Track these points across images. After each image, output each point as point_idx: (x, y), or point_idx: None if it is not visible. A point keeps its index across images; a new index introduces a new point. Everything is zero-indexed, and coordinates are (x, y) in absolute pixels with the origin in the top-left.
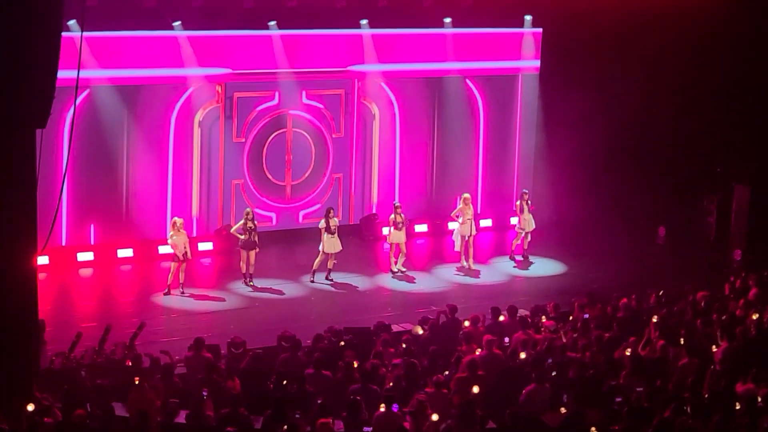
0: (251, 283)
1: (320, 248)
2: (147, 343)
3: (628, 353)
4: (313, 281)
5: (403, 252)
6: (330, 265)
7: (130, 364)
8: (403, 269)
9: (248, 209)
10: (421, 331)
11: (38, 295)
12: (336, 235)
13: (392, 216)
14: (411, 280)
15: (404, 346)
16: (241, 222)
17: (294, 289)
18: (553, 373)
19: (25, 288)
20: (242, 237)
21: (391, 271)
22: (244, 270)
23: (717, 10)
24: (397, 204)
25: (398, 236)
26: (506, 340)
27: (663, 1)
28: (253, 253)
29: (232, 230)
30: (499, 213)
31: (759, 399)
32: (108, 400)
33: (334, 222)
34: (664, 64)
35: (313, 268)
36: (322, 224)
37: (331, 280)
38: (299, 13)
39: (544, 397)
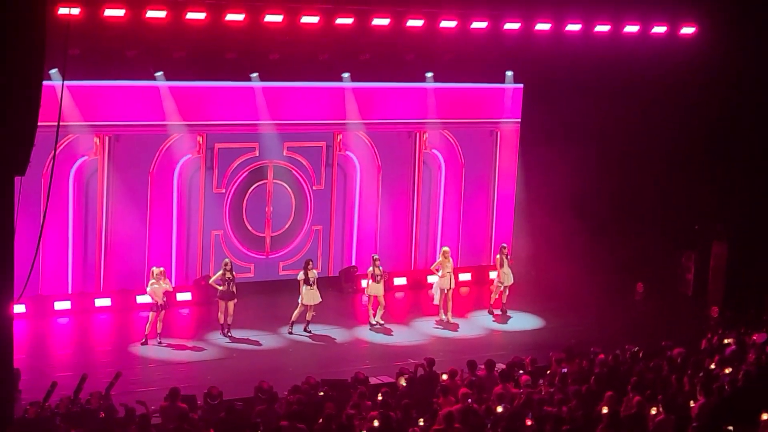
0: (229, 334)
1: (299, 300)
2: (123, 393)
3: (605, 411)
4: (291, 333)
5: (381, 304)
6: (308, 316)
7: (103, 415)
8: (382, 322)
9: (227, 260)
10: (404, 383)
11: (14, 343)
12: (315, 287)
13: (371, 268)
14: (389, 332)
15: (380, 398)
16: (220, 272)
17: (272, 340)
18: (529, 423)
19: (1, 336)
20: (221, 288)
21: (370, 323)
22: (222, 321)
23: (700, 68)
24: (376, 256)
25: (377, 289)
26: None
27: (645, 57)
28: (231, 304)
29: (210, 281)
30: (477, 266)
31: None
32: None
33: (313, 274)
34: (644, 120)
35: (292, 319)
36: (300, 276)
37: (310, 331)
38: (281, 66)
39: None
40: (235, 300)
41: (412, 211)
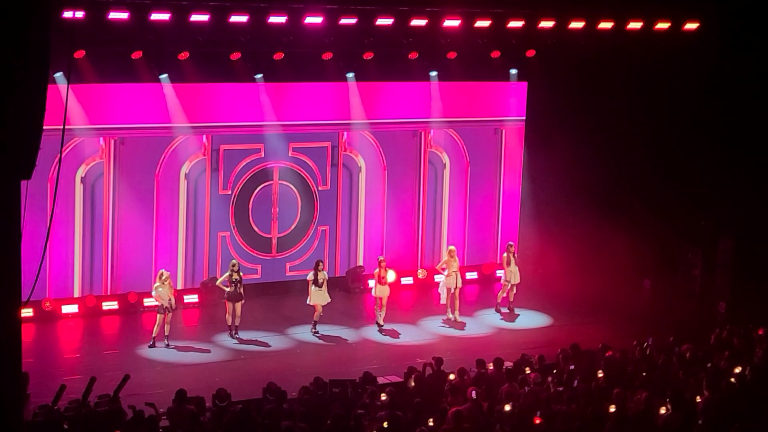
0: (237, 336)
1: (307, 301)
2: (132, 396)
3: (612, 410)
4: (316, 332)
5: (383, 305)
6: (316, 317)
7: (111, 418)
8: (381, 323)
9: (234, 261)
10: (414, 383)
11: (22, 347)
12: (324, 288)
13: (376, 270)
14: (397, 332)
15: (388, 398)
16: (227, 274)
17: (279, 341)
18: (538, 422)
19: (9, 341)
20: (228, 289)
21: (377, 323)
22: (229, 322)
23: (704, 63)
24: (382, 258)
25: (382, 290)
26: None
27: (649, 53)
28: (239, 305)
29: (217, 282)
30: (484, 265)
31: None
32: None
33: (323, 275)
34: (650, 116)
35: (315, 319)
36: (310, 276)
37: (317, 332)
38: (285, 66)
39: None
40: (243, 301)
41: (418, 210)
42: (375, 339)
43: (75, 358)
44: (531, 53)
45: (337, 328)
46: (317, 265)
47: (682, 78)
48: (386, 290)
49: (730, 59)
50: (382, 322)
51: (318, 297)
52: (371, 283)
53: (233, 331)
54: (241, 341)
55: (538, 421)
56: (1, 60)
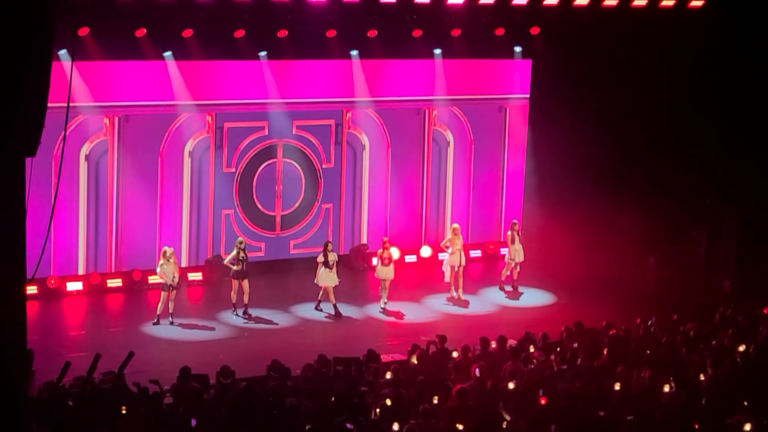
0: (247, 313)
1: (315, 280)
2: (136, 373)
3: (617, 388)
4: (318, 309)
5: (386, 288)
6: (327, 297)
7: (116, 395)
8: (383, 306)
9: (240, 239)
10: (416, 360)
11: (27, 324)
12: (334, 269)
13: (380, 251)
14: (400, 310)
15: (392, 376)
16: (234, 252)
17: (283, 319)
18: (543, 402)
19: (14, 318)
20: (235, 267)
21: (381, 306)
22: (234, 300)
23: (709, 41)
24: (386, 239)
25: (386, 272)
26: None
27: (654, 31)
28: (246, 283)
29: (225, 261)
30: (488, 243)
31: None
32: (97, 430)
33: (333, 256)
34: (654, 93)
35: (332, 303)
36: (320, 258)
37: (321, 310)
38: (289, 44)
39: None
40: (247, 278)
41: (422, 189)
42: (379, 317)
43: (79, 336)
44: (535, 31)
45: (341, 306)
46: (326, 246)
47: (686, 55)
48: (390, 272)
49: (736, 37)
50: (386, 301)
51: (327, 278)
52: (375, 261)
53: (243, 309)
54: (249, 318)
55: (543, 402)
56: (6, 37)
